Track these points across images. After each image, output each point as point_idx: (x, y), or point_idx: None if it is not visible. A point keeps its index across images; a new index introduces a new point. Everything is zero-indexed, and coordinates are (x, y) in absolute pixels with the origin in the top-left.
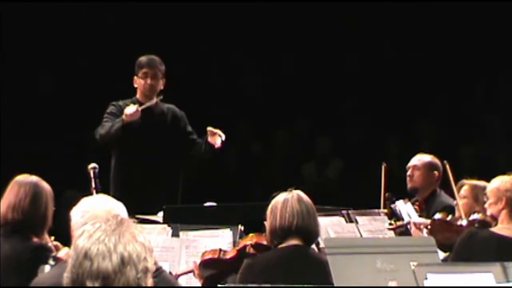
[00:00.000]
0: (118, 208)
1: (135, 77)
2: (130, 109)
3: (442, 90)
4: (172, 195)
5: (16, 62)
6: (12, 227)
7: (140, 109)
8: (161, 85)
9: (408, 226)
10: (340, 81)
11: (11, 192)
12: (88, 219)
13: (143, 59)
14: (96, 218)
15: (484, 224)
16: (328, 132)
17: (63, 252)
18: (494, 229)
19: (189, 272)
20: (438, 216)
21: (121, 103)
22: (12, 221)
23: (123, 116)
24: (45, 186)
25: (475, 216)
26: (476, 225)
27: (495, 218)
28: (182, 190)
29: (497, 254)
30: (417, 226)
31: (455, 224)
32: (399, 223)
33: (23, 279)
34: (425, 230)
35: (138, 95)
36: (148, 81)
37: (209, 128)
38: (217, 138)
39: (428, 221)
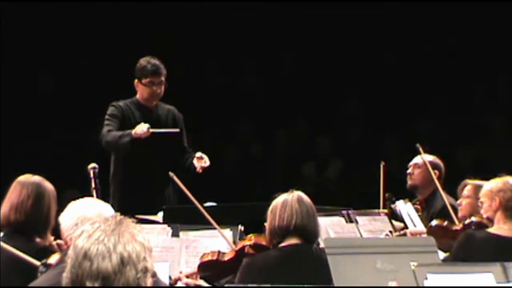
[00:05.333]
0: (106, 210)
1: (137, 81)
2: (140, 129)
3: (442, 90)
4: (171, 195)
5: (16, 62)
6: (15, 228)
7: (151, 131)
8: (164, 88)
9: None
10: (340, 81)
11: (14, 192)
12: (77, 220)
13: (147, 66)
14: (85, 219)
15: (481, 226)
16: (328, 132)
17: (54, 259)
18: (491, 230)
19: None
20: (434, 222)
21: (121, 103)
22: (14, 222)
23: (133, 133)
24: (48, 186)
25: (471, 219)
26: (473, 227)
27: (491, 221)
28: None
29: (495, 254)
30: (414, 235)
31: (451, 229)
32: (395, 233)
33: (25, 280)
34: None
35: (138, 97)
36: (155, 90)
37: (198, 154)
38: (202, 163)
39: (424, 229)
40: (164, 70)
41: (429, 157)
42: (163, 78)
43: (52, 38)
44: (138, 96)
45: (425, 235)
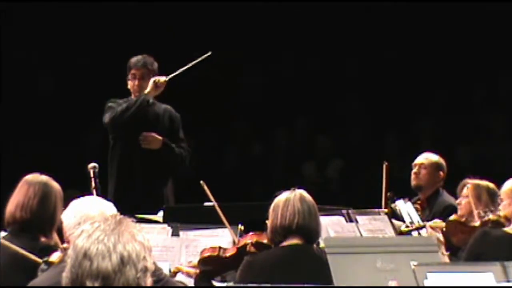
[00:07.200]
0: (109, 209)
1: (128, 79)
2: (160, 79)
3: (442, 89)
4: (169, 195)
5: (16, 62)
6: (20, 226)
7: (167, 79)
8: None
9: (424, 229)
10: (340, 81)
11: (20, 191)
12: (80, 219)
13: (132, 60)
14: (88, 218)
15: (498, 224)
16: (328, 132)
17: (55, 256)
18: (507, 229)
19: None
20: (452, 217)
21: (120, 101)
22: (20, 220)
23: (148, 90)
24: (55, 185)
25: (489, 216)
26: (490, 225)
27: (509, 220)
28: (177, 189)
29: (509, 253)
30: (434, 229)
31: (469, 225)
32: (416, 225)
33: (28, 278)
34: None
35: (132, 96)
36: (136, 82)
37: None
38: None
39: (443, 224)
40: (150, 65)
41: (434, 157)
42: (145, 71)
43: (52, 38)
44: (132, 95)
45: (444, 229)
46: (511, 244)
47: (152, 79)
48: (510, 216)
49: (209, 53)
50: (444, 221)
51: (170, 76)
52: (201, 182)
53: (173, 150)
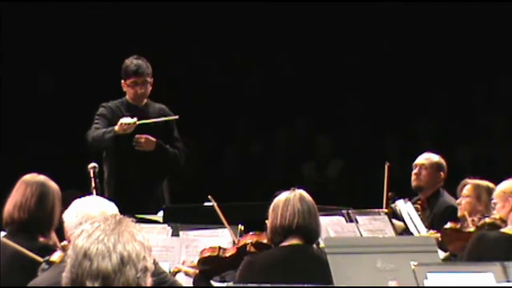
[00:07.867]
0: (111, 209)
1: (123, 82)
2: (127, 121)
3: (442, 89)
4: (164, 195)
5: (16, 62)
6: (18, 226)
7: (137, 123)
8: (150, 87)
9: None
10: (340, 81)
11: (18, 191)
12: (81, 218)
13: (130, 66)
14: (89, 218)
15: (494, 226)
16: (328, 132)
17: (56, 256)
18: (504, 230)
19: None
20: (448, 225)
21: (110, 104)
22: (18, 220)
23: (116, 128)
24: (52, 185)
25: (484, 220)
26: (486, 227)
27: (504, 221)
28: (177, 189)
29: (507, 254)
30: None
31: (465, 232)
32: None
33: (27, 279)
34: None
35: (128, 97)
36: (138, 90)
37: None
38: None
39: (438, 234)
40: (147, 70)
41: (435, 157)
42: (146, 78)
43: (52, 38)
44: (127, 96)
45: (440, 238)
46: (509, 244)
47: (120, 120)
48: (506, 218)
49: (177, 116)
50: (444, 221)
51: (139, 122)
52: (209, 196)
53: (167, 151)
